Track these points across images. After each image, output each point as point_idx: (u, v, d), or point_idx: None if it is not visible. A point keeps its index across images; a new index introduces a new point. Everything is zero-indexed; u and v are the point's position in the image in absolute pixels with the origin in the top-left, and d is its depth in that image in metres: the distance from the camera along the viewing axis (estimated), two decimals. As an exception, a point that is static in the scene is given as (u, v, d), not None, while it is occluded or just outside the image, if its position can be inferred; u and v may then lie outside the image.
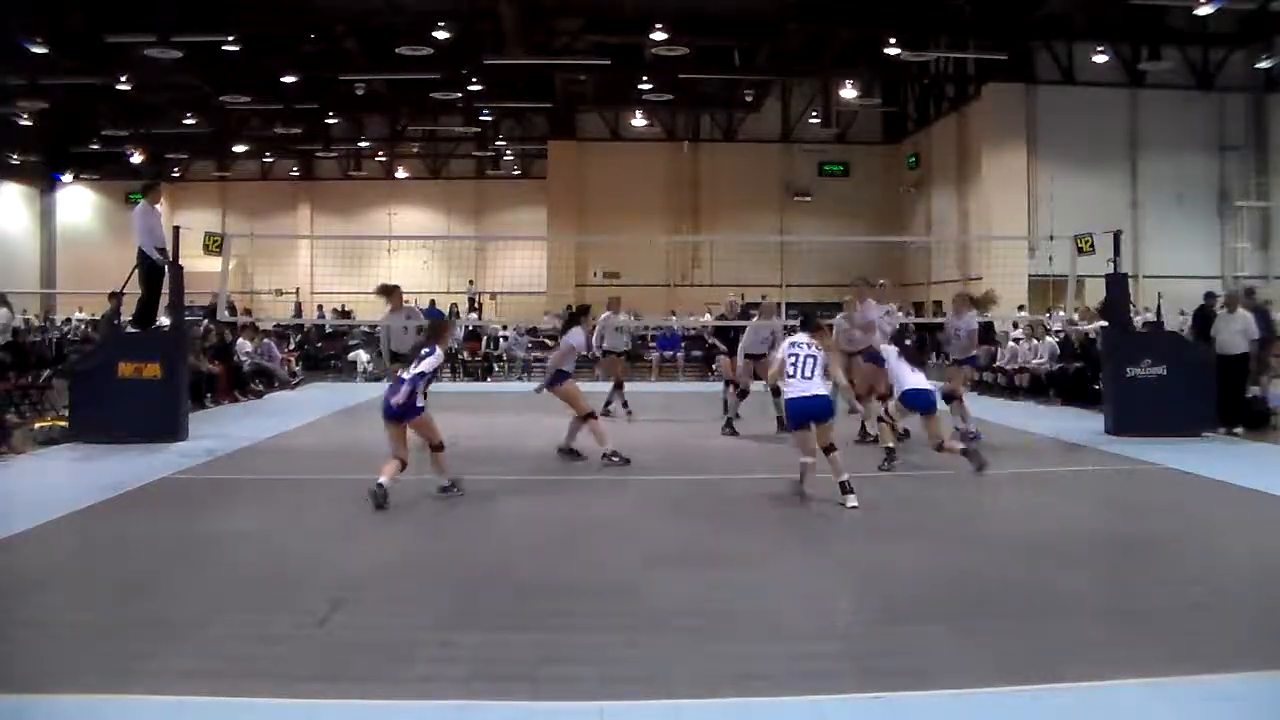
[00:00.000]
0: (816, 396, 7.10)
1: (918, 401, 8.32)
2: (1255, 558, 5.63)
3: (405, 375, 7.17)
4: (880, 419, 9.10)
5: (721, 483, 8.38)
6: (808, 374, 7.12)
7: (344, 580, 5.13)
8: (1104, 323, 11.83)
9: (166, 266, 10.61)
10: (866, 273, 11.14)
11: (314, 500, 7.54)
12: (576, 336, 9.19)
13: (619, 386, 13.04)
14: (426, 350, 7.33)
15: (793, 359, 7.20)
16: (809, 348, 7.25)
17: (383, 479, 6.93)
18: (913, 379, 8.35)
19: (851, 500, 6.94)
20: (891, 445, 8.64)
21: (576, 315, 9.73)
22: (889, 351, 8.73)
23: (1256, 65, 23.50)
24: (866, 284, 10.76)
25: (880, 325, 10.42)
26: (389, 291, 10.77)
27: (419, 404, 7.17)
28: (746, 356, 11.33)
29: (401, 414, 7.07)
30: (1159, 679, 3.74)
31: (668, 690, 3.65)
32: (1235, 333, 11.58)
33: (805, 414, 7.16)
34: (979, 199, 25.02)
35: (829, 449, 7.13)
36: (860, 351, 10.01)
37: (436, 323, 7.84)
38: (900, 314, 12.28)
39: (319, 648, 4.14)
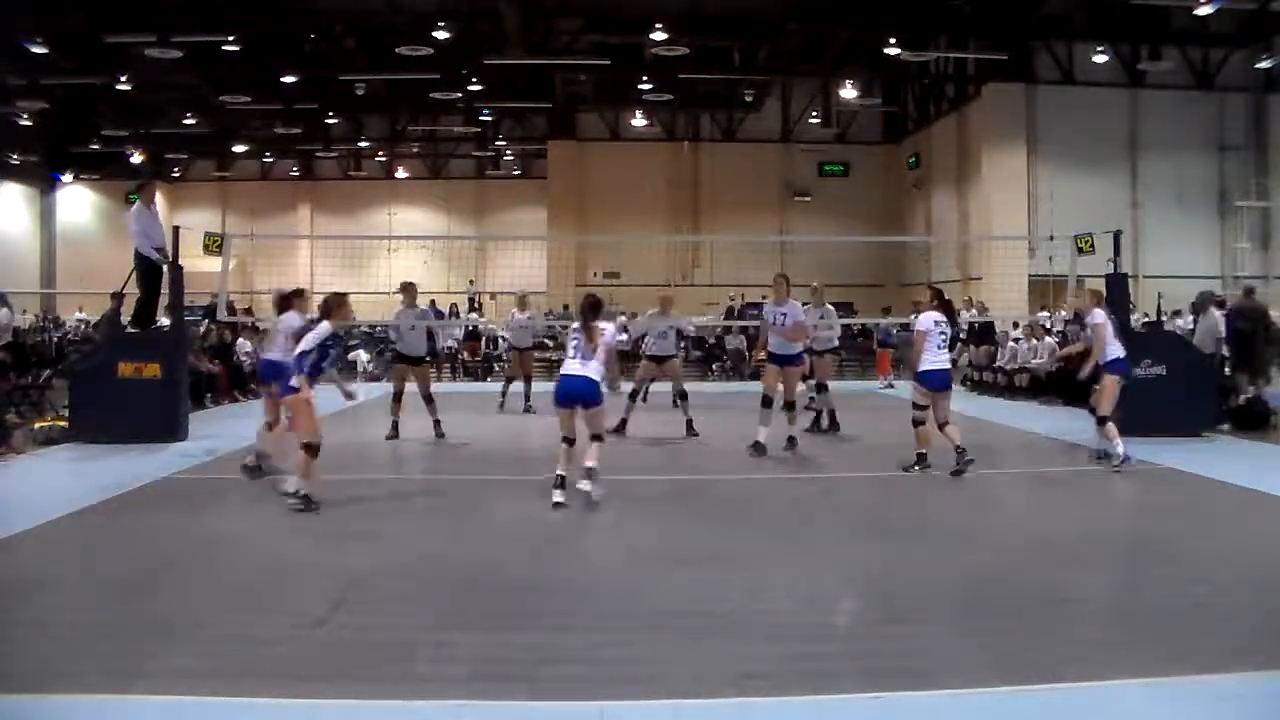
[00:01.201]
0: (583, 378, 6.95)
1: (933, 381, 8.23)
2: (1255, 558, 5.62)
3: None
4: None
5: (721, 483, 8.38)
6: (586, 356, 6.99)
7: (344, 580, 5.13)
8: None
9: (165, 266, 10.59)
10: (765, 271, 10.71)
11: (314, 500, 7.53)
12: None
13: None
14: (312, 325, 7.11)
15: (575, 340, 7.10)
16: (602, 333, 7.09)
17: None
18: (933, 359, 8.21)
19: (587, 485, 6.85)
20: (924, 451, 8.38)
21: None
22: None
23: (1256, 65, 23.50)
24: (785, 280, 9.92)
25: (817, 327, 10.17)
26: (405, 289, 10.97)
27: (292, 382, 6.86)
28: (648, 358, 11.31)
29: (284, 390, 6.97)
30: (1159, 679, 3.74)
31: (668, 690, 3.65)
32: (1204, 333, 11.71)
33: (570, 395, 7.01)
34: (979, 199, 25.02)
35: (596, 437, 7.09)
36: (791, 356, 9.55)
37: (329, 297, 7.36)
38: (836, 315, 12.01)
39: (319, 648, 4.14)
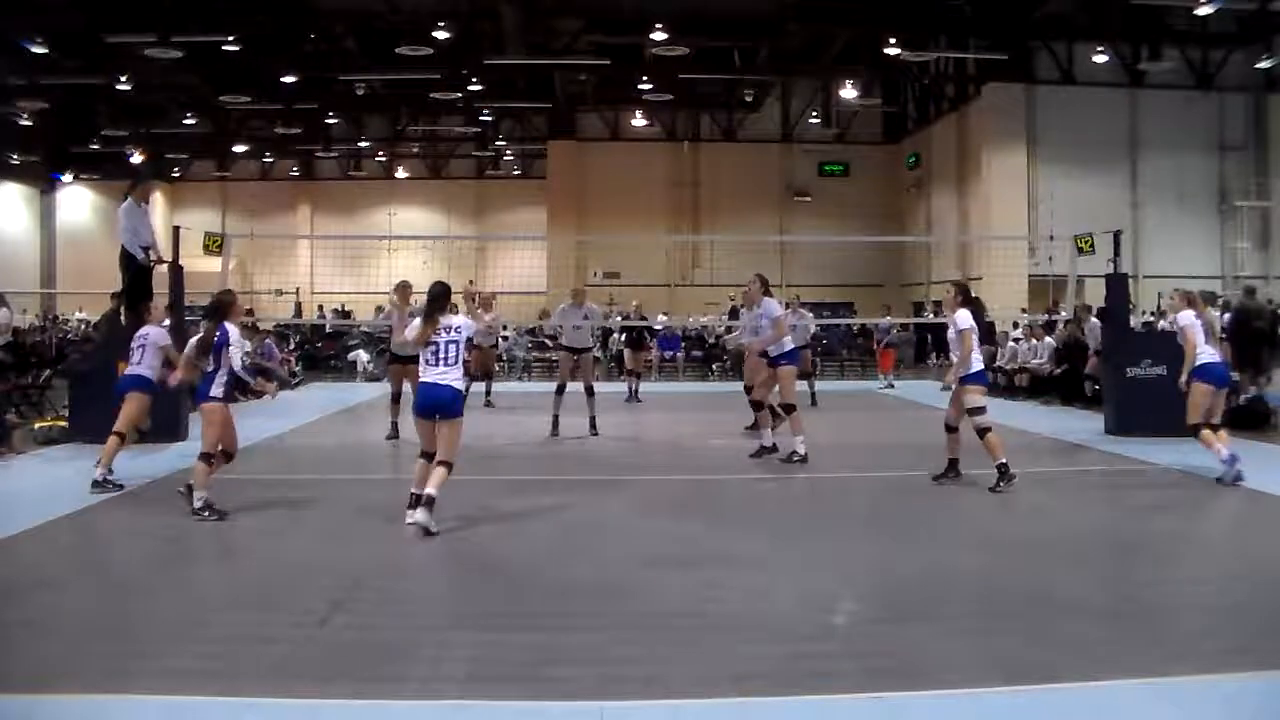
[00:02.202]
0: (448, 387, 6.19)
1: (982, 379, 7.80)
2: (1255, 558, 5.62)
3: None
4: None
5: (721, 483, 8.38)
6: (450, 360, 6.23)
7: (343, 580, 5.13)
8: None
9: (151, 265, 10.57)
10: (765, 271, 10.19)
11: (314, 500, 7.54)
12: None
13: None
14: (219, 334, 6.61)
15: (432, 346, 6.23)
16: (456, 331, 6.29)
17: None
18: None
19: (418, 516, 5.97)
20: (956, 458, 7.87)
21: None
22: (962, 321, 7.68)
23: (1256, 65, 23.52)
24: (763, 281, 9.74)
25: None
26: (400, 288, 10.54)
27: (211, 390, 6.57)
28: (564, 350, 11.22)
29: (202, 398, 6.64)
30: (1159, 679, 3.74)
31: (667, 690, 3.65)
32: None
33: (429, 403, 6.22)
34: (979, 199, 25.03)
35: (445, 463, 6.12)
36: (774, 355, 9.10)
37: (218, 297, 6.92)
38: (808, 316, 12.30)
39: (319, 648, 4.14)
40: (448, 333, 6.26)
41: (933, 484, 7.75)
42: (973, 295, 8.07)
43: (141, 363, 7.75)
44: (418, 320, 6.41)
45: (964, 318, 7.63)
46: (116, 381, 8.06)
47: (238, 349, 6.64)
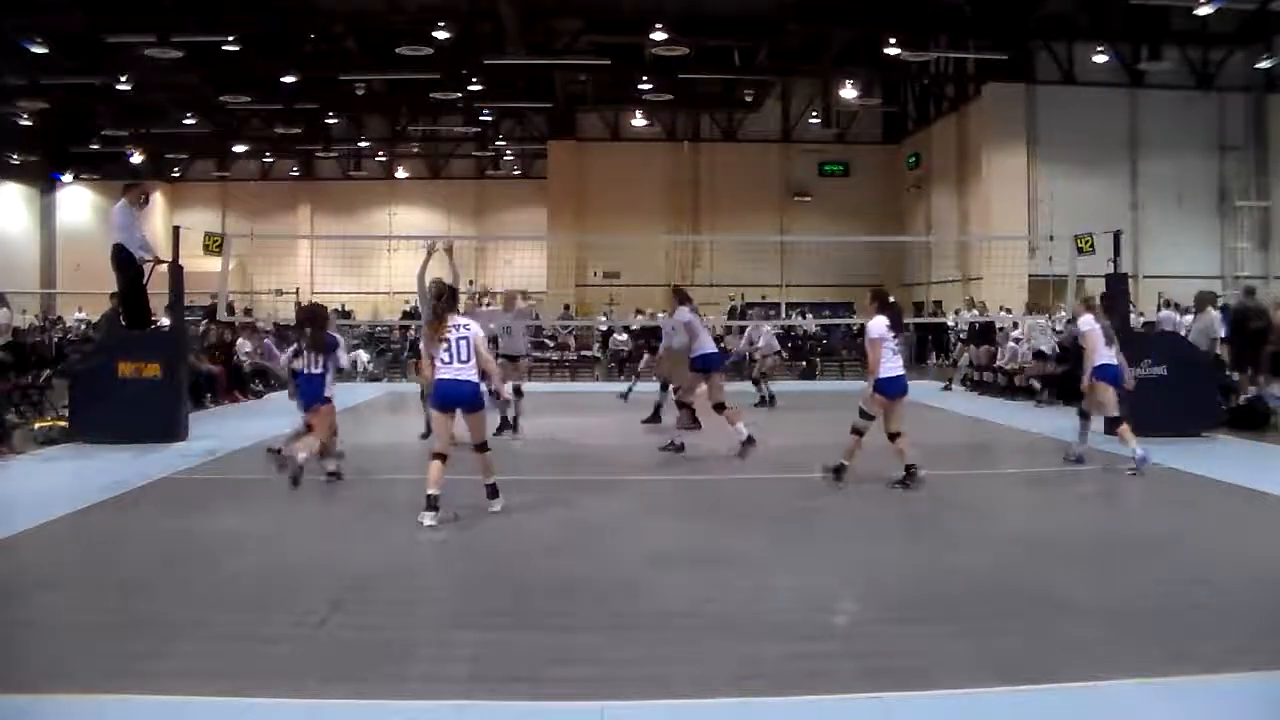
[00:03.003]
0: (468, 383, 6.47)
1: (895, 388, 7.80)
2: (1255, 558, 5.62)
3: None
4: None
5: (721, 483, 8.38)
6: (463, 358, 6.49)
7: (343, 580, 5.13)
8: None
9: (142, 264, 10.58)
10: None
11: (313, 500, 7.54)
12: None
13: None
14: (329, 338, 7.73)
15: (444, 344, 6.53)
16: (466, 329, 6.57)
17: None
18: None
19: (496, 505, 6.65)
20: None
21: None
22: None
23: (1256, 65, 23.52)
24: (677, 293, 10.21)
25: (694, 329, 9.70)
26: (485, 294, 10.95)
27: (326, 391, 7.66)
28: (502, 359, 10.95)
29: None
30: (1159, 679, 3.74)
31: (668, 690, 3.65)
32: (1198, 333, 11.72)
33: (451, 399, 6.48)
34: (979, 199, 25.03)
35: (481, 446, 6.68)
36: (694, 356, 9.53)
37: (314, 307, 8.03)
38: (764, 327, 14.31)
39: (319, 648, 4.14)
40: (457, 330, 6.52)
41: (889, 489, 7.67)
42: (890, 300, 8.17)
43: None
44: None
45: (876, 326, 7.71)
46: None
47: (343, 352, 7.75)
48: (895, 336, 7.76)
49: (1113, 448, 9.74)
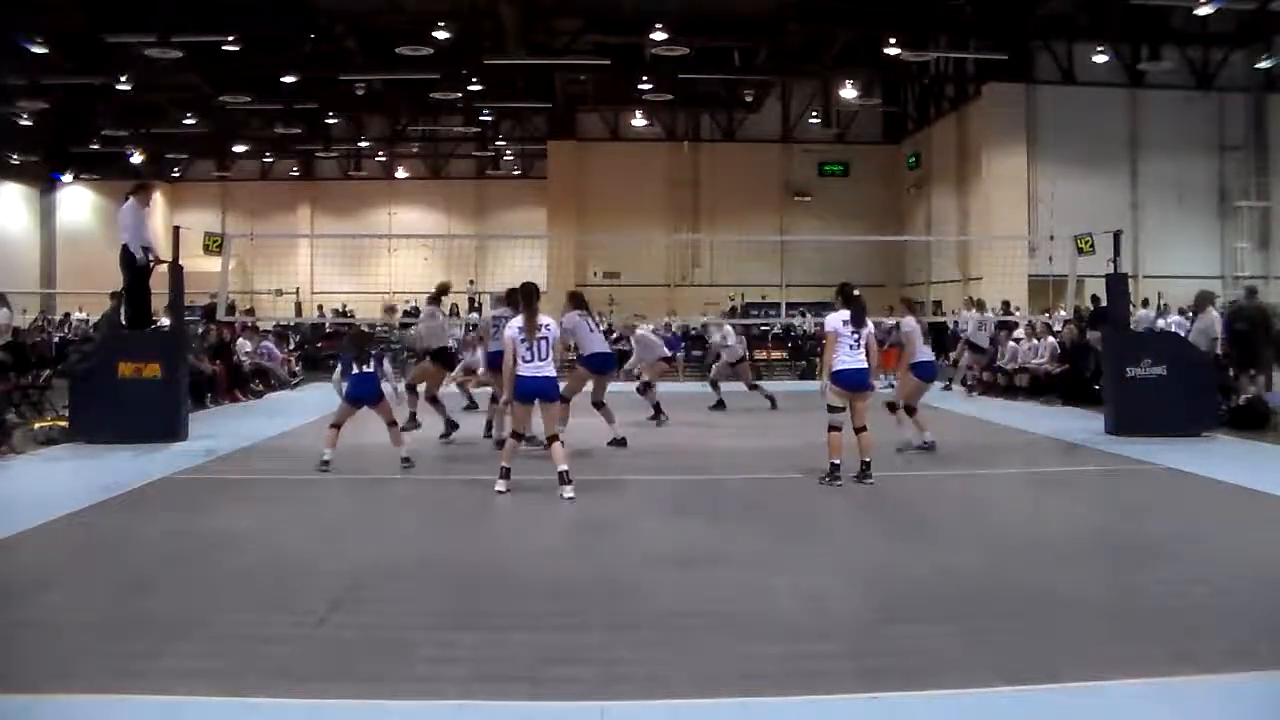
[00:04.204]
0: (546, 377, 7.41)
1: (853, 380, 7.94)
2: (1255, 558, 5.62)
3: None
4: None
5: (721, 483, 8.38)
6: (543, 355, 7.39)
7: (343, 579, 5.13)
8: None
9: (150, 265, 10.60)
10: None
11: (314, 500, 7.54)
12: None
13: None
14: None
15: (526, 343, 7.39)
16: (548, 329, 7.50)
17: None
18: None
19: (568, 491, 7.16)
20: None
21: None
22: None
23: (1256, 65, 23.53)
24: (570, 297, 10.49)
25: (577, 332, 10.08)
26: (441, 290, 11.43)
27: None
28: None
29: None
30: (1159, 679, 3.74)
31: (668, 690, 3.65)
32: (1198, 333, 11.74)
33: (532, 392, 7.43)
34: (979, 199, 25.04)
35: (553, 438, 7.45)
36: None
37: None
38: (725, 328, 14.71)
39: (319, 647, 4.14)
40: (540, 330, 7.42)
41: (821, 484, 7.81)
42: (855, 295, 8.20)
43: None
44: (516, 319, 7.53)
45: (831, 320, 8.00)
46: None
47: (388, 362, 8.69)
48: (854, 332, 7.91)
49: (1114, 448, 9.77)
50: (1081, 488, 8.15)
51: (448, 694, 3.61)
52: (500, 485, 7.36)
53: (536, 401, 7.48)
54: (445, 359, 10.97)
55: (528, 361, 7.35)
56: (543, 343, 7.37)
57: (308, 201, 33.65)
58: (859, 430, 7.87)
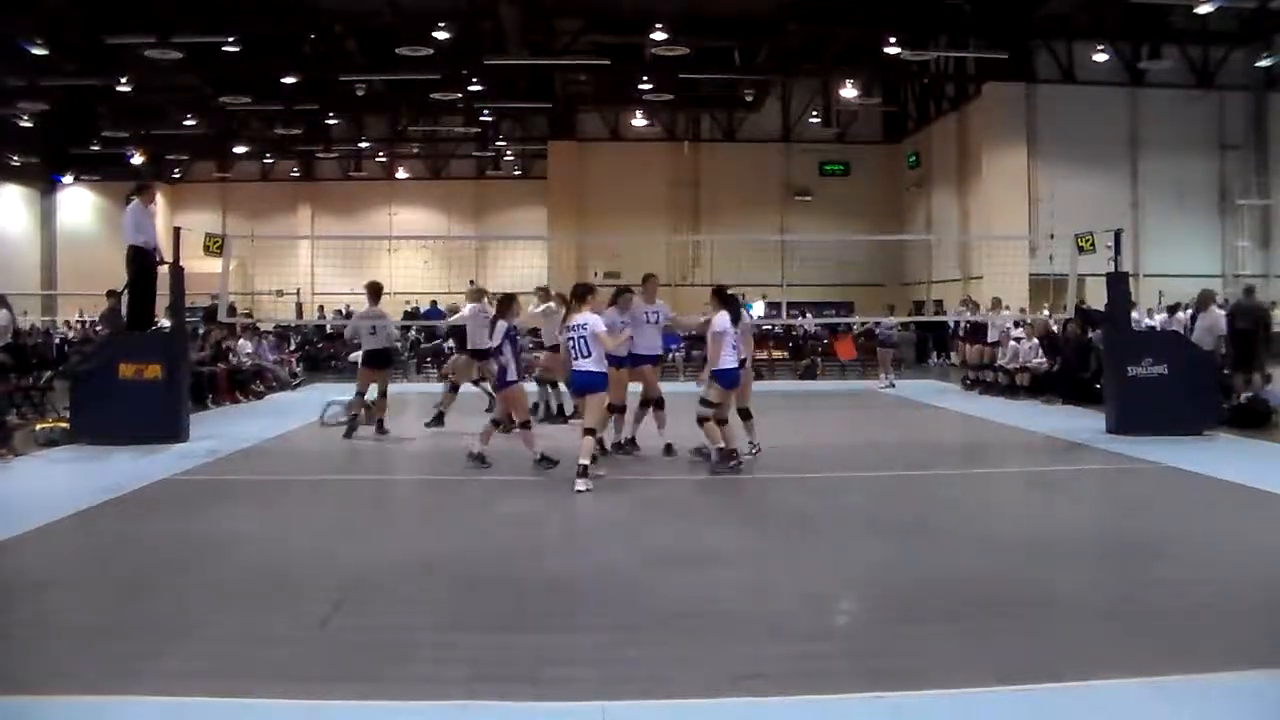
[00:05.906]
0: (590, 372, 7.82)
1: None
2: (1256, 558, 5.62)
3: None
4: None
5: (722, 483, 8.37)
6: (585, 352, 7.79)
7: (344, 580, 5.13)
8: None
9: (157, 265, 10.63)
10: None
11: (314, 500, 7.55)
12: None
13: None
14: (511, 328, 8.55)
15: (571, 340, 7.90)
16: (584, 328, 7.81)
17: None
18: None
19: (580, 484, 7.36)
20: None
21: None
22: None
23: (1256, 64, 23.52)
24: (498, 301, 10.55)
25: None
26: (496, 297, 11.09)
27: (509, 376, 8.38)
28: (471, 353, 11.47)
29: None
30: (1159, 679, 3.73)
31: (669, 690, 3.65)
32: (1202, 331, 11.73)
33: (583, 386, 7.94)
34: (979, 199, 25.03)
35: (590, 431, 7.83)
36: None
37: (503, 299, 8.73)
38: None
39: (319, 648, 4.14)
40: (577, 330, 7.82)
41: (716, 474, 8.19)
42: (729, 296, 8.63)
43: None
44: (595, 318, 7.90)
45: (721, 320, 8.29)
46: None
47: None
48: (735, 331, 8.37)
49: (1115, 447, 9.77)
50: (1082, 487, 8.16)
51: (449, 694, 3.61)
52: (580, 484, 7.46)
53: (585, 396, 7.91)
54: (480, 357, 11.16)
55: (574, 359, 7.85)
56: (582, 341, 7.75)
57: (308, 202, 33.63)
58: (743, 413, 8.78)
